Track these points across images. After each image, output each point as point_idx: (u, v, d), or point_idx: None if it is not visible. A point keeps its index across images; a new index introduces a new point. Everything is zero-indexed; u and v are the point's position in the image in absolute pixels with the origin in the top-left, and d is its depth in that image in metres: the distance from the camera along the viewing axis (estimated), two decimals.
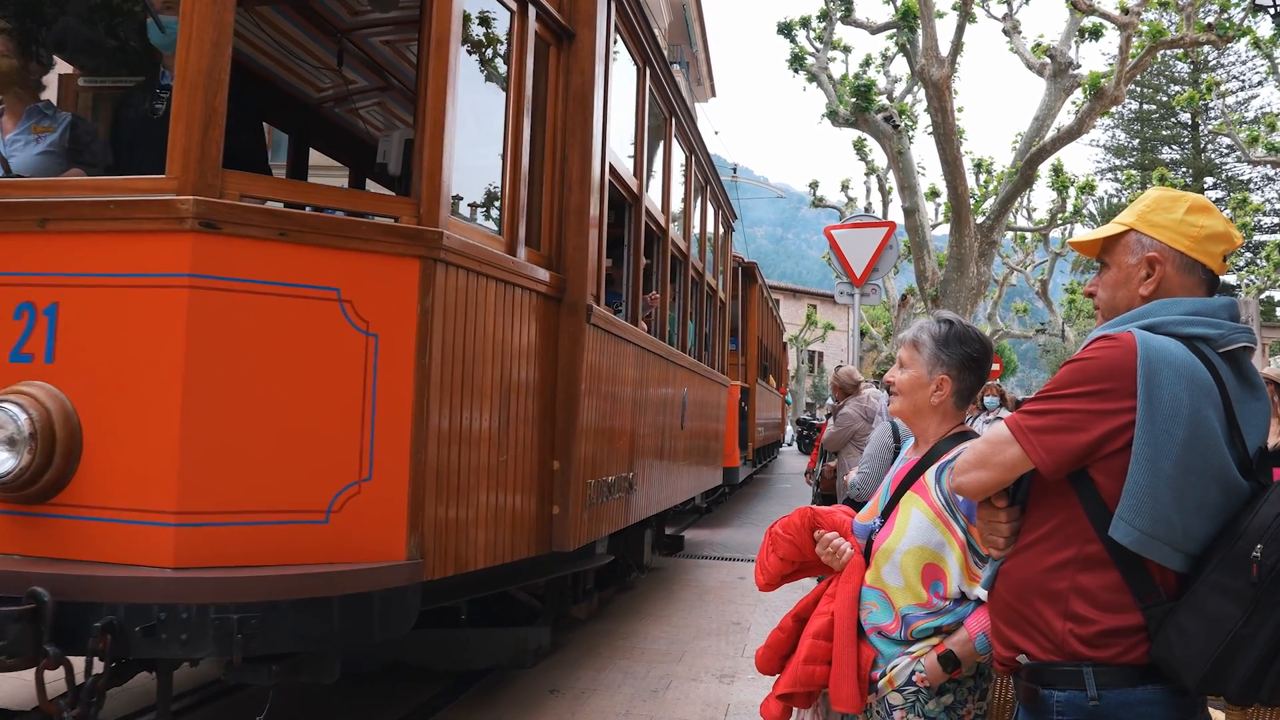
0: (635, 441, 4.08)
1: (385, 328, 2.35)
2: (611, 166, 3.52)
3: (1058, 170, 16.34)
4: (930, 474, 1.65)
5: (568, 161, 3.18)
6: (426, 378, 2.39)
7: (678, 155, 5.37)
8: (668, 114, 4.83)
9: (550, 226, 3.13)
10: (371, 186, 5.06)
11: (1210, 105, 25.28)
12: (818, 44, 12.62)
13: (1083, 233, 1.71)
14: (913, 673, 1.58)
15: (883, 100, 12.38)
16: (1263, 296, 26.96)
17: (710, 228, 6.67)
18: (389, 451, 2.34)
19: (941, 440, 1.69)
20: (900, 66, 14.15)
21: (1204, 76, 24.49)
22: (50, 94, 2.94)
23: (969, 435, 1.69)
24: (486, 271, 2.67)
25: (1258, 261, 27.67)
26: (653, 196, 4.48)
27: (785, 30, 12.52)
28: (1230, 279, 28.26)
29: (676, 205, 5.38)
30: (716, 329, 7.22)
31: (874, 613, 1.65)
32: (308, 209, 2.48)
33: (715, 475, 7.36)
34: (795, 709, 1.72)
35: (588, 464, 3.27)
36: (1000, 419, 7.04)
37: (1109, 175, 35.93)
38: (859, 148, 17.54)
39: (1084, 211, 19.97)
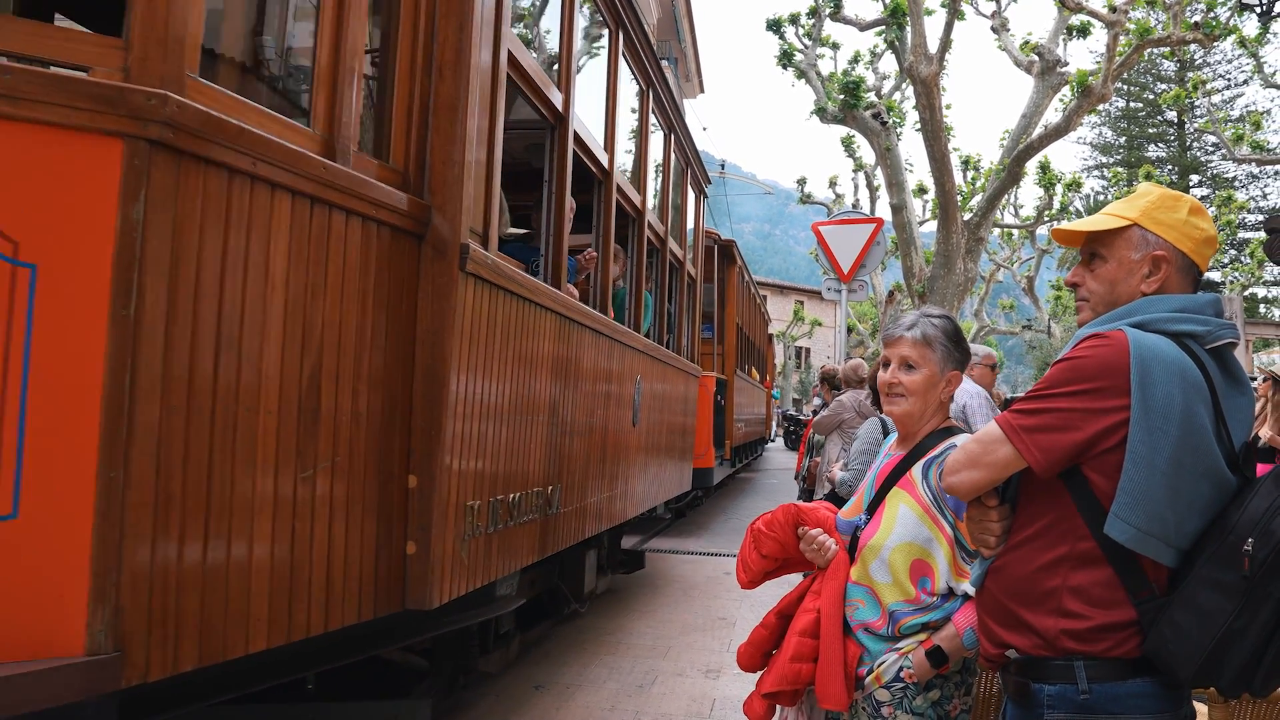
0: (557, 445, 3.06)
1: (51, 254, 1.37)
2: (514, 58, 2.49)
3: (1045, 167, 17.00)
4: (917, 469, 1.62)
5: (438, 38, 2.17)
6: (131, 340, 1.40)
7: (631, 85, 4.34)
8: (614, 24, 3.77)
9: (408, 131, 2.11)
10: None
11: (1196, 103, 25.25)
12: (807, 40, 12.45)
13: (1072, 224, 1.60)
14: (900, 669, 1.55)
15: (871, 97, 12.38)
16: (1246, 293, 27.20)
17: (675, 186, 5.63)
18: (53, 467, 1.35)
19: (927, 435, 1.65)
20: (889, 63, 14.27)
21: (1190, 75, 24.54)
22: None
23: (954, 430, 1.66)
24: (274, 177, 1.67)
25: (1241, 258, 27.79)
26: (591, 128, 3.46)
27: (774, 27, 12.37)
28: (1214, 275, 28.18)
29: (628, 149, 4.37)
30: (685, 310, 6.20)
31: (860, 609, 1.61)
32: None
33: (683, 479, 6.38)
34: (779, 707, 1.68)
35: (469, 477, 2.26)
36: None
37: (1095, 173, 35.81)
38: (847, 144, 17.48)
39: (1071, 209, 20.31)
